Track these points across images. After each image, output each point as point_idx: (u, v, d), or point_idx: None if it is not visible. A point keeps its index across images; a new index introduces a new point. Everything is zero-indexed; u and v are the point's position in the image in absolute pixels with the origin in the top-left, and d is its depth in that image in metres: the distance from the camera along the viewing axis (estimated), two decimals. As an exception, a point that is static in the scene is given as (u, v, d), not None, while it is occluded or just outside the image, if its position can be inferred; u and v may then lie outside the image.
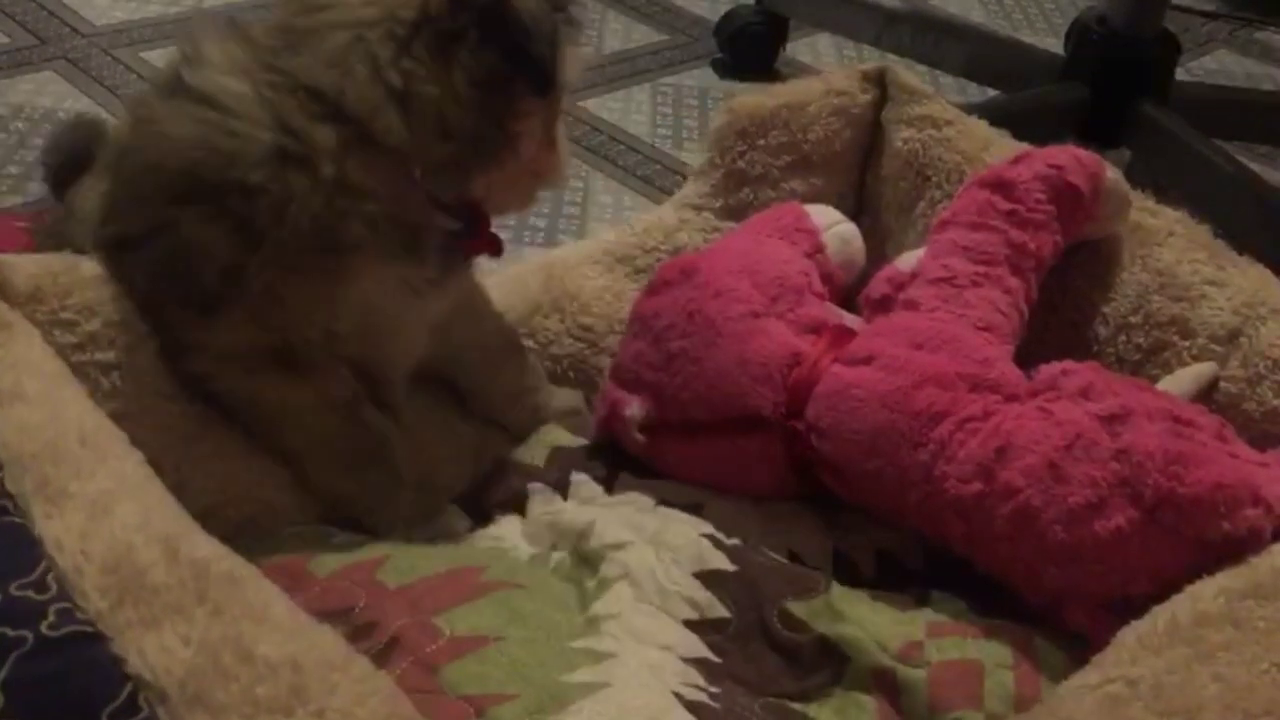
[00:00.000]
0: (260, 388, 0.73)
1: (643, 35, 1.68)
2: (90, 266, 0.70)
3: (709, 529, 0.76)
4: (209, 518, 0.64)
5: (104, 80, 1.43)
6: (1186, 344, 0.83)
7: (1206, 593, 0.63)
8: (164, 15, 1.55)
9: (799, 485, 0.81)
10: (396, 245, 0.71)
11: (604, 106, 1.49)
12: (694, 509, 0.78)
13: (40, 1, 1.54)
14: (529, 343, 0.91)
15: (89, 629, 0.51)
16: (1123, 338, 0.86)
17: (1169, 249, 0.86)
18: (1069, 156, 0.85)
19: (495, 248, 0.77)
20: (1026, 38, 1.79)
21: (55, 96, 1.38)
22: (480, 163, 0.72)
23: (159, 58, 1.44)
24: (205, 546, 0.55)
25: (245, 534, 0.73)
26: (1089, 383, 0.74)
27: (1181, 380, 0.81)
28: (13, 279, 0.67)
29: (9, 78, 1.39)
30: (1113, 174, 0.86)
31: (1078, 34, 1.41)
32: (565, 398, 0.90)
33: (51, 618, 0.50)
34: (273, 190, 0.68)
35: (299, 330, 0.71)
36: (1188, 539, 0.67)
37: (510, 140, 0.72)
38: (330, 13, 0.70)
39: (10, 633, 0.50)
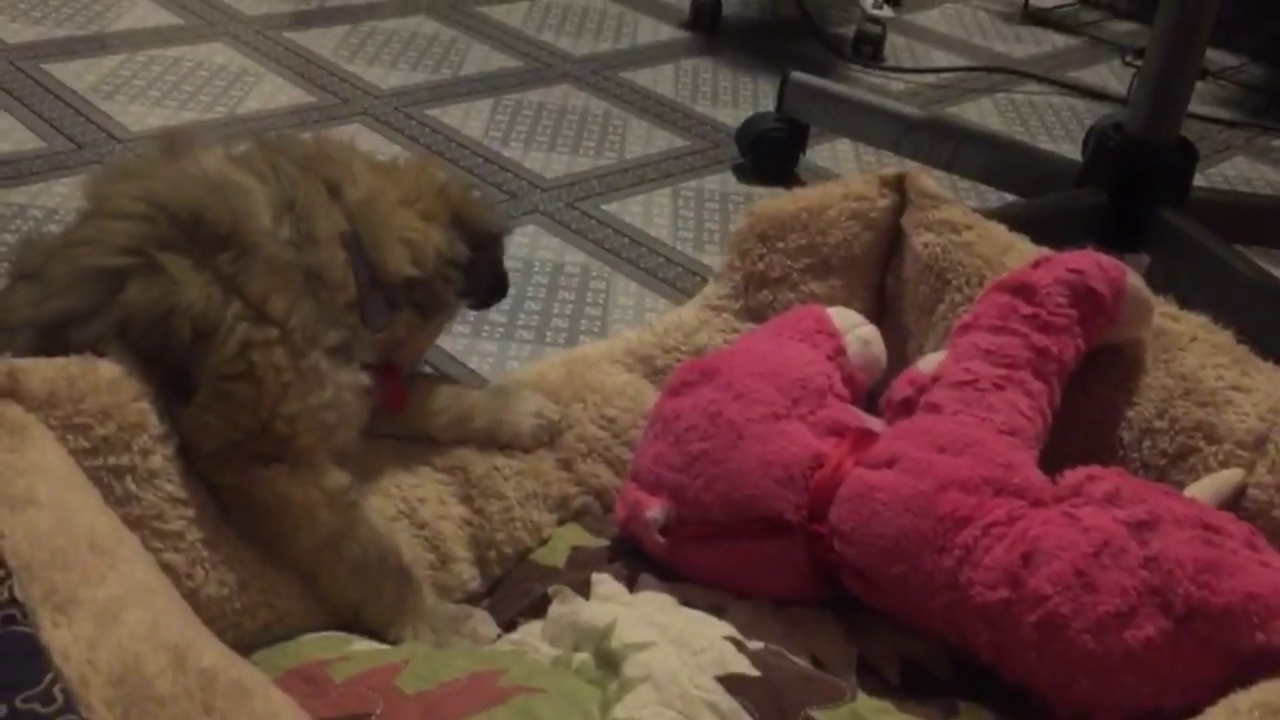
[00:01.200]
0: (254, 484, 0.73)
1: (664, 140, 1.71)
2: (108, 369, 0.70)
3: (731, 631, 0.75)
4: (223, 624, 0.63)
5: (136, 184, 1.45)
6: (1213, 449, 0.82)
7: (1241, 706, 0.62)
8: (199, 122, 1.59)
9: (821, 589, 0.80)
10: (347, 338, 0.77)
11: (626, 210, 1.51)
12: (715, 611, 0.77)
13: (77, 108, 1.58)
14: None
15: (94, 743, 0.49)
16: (1148, 443, 0.85)
17: (1192, 354, 0.85)
18: (1090, 261, 0.85)
19: (400, 401, 0.85)
20: (1044, 144, 1.81)
21: (89, 200, 1.40)
22: (428, 305, 0.83)
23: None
24: (213, 654, 0.54)
25: (262, 640, 0.72)
26: (1116, 488, 0.73)
27: (1207, 487, 0.80)
28: (28, 383, 0.67)
29: (45, 181, 1.41)
30: (1134, 278, 0.86)
31: (1095, 141, 1.42)
32: (530, 400, 0.90)
33: (56, 731, 0.49)
34: (264, 257, 0.73)
35: (272, 407, 0.72)
36: (1220, 650, 0.66)
37: (442, 313, 0.86)
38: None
39: (16, 747, 0.49)
